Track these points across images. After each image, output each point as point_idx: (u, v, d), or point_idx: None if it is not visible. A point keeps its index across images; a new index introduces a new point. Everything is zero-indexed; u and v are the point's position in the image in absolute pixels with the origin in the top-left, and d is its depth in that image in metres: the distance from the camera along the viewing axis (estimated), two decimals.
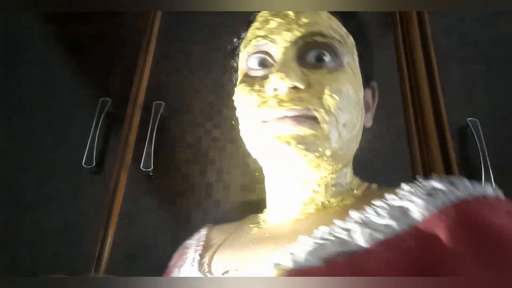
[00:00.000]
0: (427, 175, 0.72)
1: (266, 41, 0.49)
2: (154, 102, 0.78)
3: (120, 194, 0.71)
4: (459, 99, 0.78)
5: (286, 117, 0.45)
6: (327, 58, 0.48)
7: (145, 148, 0.73)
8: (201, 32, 0.88)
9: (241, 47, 0.54)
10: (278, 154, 0.46)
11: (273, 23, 0.49)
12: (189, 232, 0.60)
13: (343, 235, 0.38)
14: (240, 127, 0.52)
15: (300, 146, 0.44)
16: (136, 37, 0.85)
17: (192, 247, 0.56)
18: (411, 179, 0.72)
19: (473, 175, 0.70)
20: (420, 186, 0.41)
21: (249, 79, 0.50)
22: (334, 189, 0.50)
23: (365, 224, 0.39)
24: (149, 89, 0.81)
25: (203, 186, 0.73)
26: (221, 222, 0.69)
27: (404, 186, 0.42)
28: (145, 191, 0.72)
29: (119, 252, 0.67)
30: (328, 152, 0.46)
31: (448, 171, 0.71)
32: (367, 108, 0.55)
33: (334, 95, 0.45)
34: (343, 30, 0.51)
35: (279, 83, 0.44)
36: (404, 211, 0.38)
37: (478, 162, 0.70)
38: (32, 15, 0.89)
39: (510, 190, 0.70)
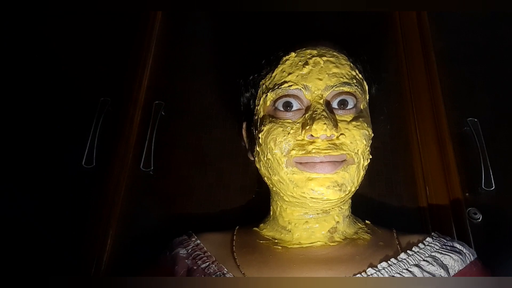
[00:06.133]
0: (427, 176, 0.73)
1: (299, 87, 0.52)
2: (154, 102, 0.78)
3: (120, 194, 0.71)
4: (459, 99, 0.78)
5: (323, 162, 0.50)
6: (350, 105, 0.53)
7: (145, 148, 0.73)
8: (201, 32, 0.88)
9: (264, 85, 0.56)
10: (314, 195, 0.50)
11: (305, 70, 0.53)
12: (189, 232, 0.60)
13: (407, 274, 0.49)
14: (260, 160, 0.55)
15: (336, 188, 0.50)
16: (136, 37, 0.85)
17: (195, 259, 0.53)
18: (410, 180, 0.73)
19: (473, 175, 0.71)
20: (446, 245, 0.54)
21: (279, 121, 0.53)
22: (347, 220, 0.56)
23: (422, 270, 0.49)
24: (149, 89, 0.81)
25: (203, 186, 0.73)
26: (221, 222, 0.69)
27: (429, 239, 0.54)
28: (145, 191, 0.72)
29: (119, 252, 0.67)
30: (353, 189, 0.52)
31: (447, 171, 0.71)
32: None
33: (363, 140, 0.52)
34: (360, 77, 0.56)
35: (321, 133, 0.49)
36: (445, 265, 0.51)
37: (478, 162, 0.70)
38: (32, 14, 0.88)
39: (510, 190, 0.70)
